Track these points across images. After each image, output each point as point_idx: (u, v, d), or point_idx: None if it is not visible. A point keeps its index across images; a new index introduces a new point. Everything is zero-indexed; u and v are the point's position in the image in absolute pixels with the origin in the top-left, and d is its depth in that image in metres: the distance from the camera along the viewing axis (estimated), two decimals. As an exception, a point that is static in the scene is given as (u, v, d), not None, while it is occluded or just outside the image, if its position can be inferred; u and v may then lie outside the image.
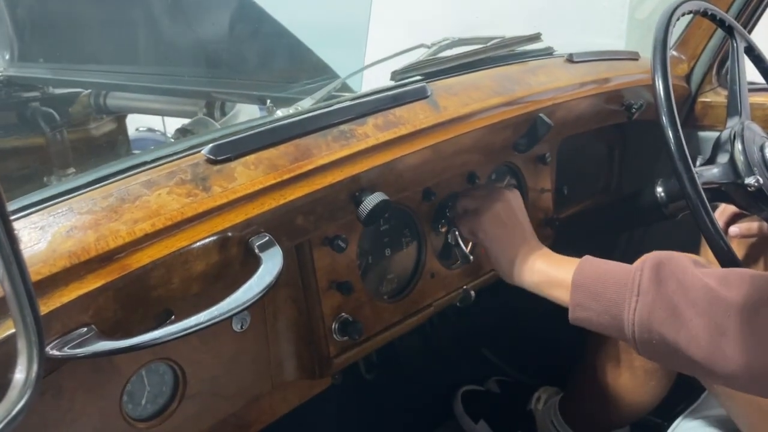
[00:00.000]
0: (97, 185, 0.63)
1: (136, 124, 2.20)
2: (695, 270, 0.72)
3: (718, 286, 0.70)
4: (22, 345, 0.45)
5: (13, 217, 0.58)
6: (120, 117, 1.98)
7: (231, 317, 0.69)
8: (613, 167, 1.48)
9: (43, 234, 0.57)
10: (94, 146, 1.91)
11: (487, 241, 0.94)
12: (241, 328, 0.80)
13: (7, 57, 1.94)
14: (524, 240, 0.93)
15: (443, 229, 1.02)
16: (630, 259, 0.80)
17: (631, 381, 1.15)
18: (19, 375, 0.45)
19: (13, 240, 0.42)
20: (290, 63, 1.43)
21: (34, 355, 0.45)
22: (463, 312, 1.12)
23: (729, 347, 0.67)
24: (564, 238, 1.25)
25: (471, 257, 1.03)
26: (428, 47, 1.04)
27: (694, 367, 0.72)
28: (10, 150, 1.84)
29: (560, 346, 1.30)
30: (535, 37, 1.14)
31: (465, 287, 1.05)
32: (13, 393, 0.44)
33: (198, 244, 0.63)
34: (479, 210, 0.95)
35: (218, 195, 0.65)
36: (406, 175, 0.83)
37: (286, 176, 0.69)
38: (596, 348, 1.21)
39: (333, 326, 0.87)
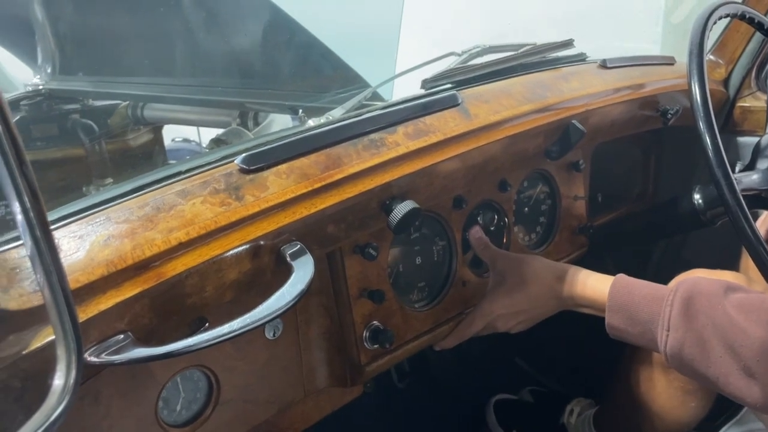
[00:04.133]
0: (134, 195, 0.65)
1: (172, 134, 2.25)
2: (726, 303, 0.72)
3: (748, 323, 0.69)
4: (61, 351, 0.46)
5: (53, 227, 0.60)
6: (156, 128, 2.02)
7: (264, 325, 0.70)
8: (648, 174, 1.46)
9: (82, 243, 0.59)
10: (131, 157, 1.95)
11: (530, 313, 0.95)
12: (274, 335, 0.81)
13: (49, 71, 2.00)
14: (543, 272, 0.93)
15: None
16: (667, 269, 0.80)
17: (671, 400, 1.12)
18: (57, 381, 0.46)
19: (53, 249, 0.43)
20: (322, 73, 1.45)
21: (72, 362, 0.46)
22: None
23: (759, 387, 0.67)
24: (598, 247, 1.23)
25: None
26: (458, 55, 1.04)
27: (727, 394, 0.72)
28: (51, 161, 1.89)
29: (596, 356, 1.27)
30: (568, 44, 1.12)
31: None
32: (52, 399, 0.45)
33: (231, 252, 0.64)
34: (500, 313, 0.96)
35: (251, 204, 0.66)
36: (436, 183, 0.83)
37: (317, 185, 0.70)
38: (634, 360, 1.18)
39: (364, 334, 0.87)
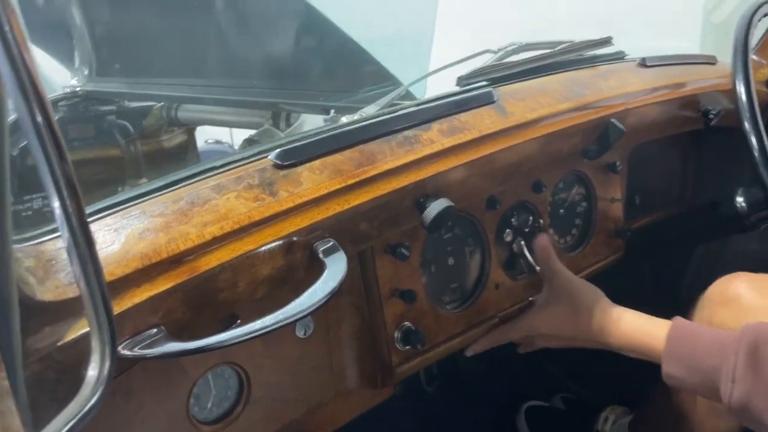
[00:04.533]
0: (169, 189, 0.65)
1: (205, 136, 2.27)
2: None
3: None
4: (95, 343, 0.46)
5: (89, 219, 0.60)
6: (190, 129, 2.04)
7: (295, 322, 0.70)
8: (688, 176, 1.42)
9: (117, 235, 0.59)
10: (165, 157, 1.98)
11: (573, 341, 0.94)
12: (305, 334, 0.80)
13: (86, 73, 2.04)
14: (598, 308, 0.91)
15: (508, 239, 1.00)
16: (706, 273, 0.76)
17: (712, 408, 1.09)
18: (92, 372, 0.46)
19: (90, 242, 0.43)
20: (354, 73, 1.44)
21: (106, 354, 0.46)
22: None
23: None
24: (635, 250, 1.20)
25: (538, 268, 0.99)
26: (494, 52, 1.03)
27: None
28: (87, 161, 1.92)
29: (631, 362, 1.24)
30: (606, 41, 1.10)
31: (531, 299, 1.02)
32: (86, 390, 0.45)
33: (264, 248, 0.64)
34: (543, 333, 0.94)
35: (284, 199, 0.66)
36: (470, 182, 0.82)
37: (350, 181, 0.69)
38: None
39: (395, 335, 0.86)
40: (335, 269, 0.66)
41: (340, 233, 0.69)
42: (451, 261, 0.94)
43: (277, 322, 0.61)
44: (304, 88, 1.49)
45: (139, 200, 0.63)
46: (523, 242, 0.99)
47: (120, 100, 2.01)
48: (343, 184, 0.69)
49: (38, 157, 0.39)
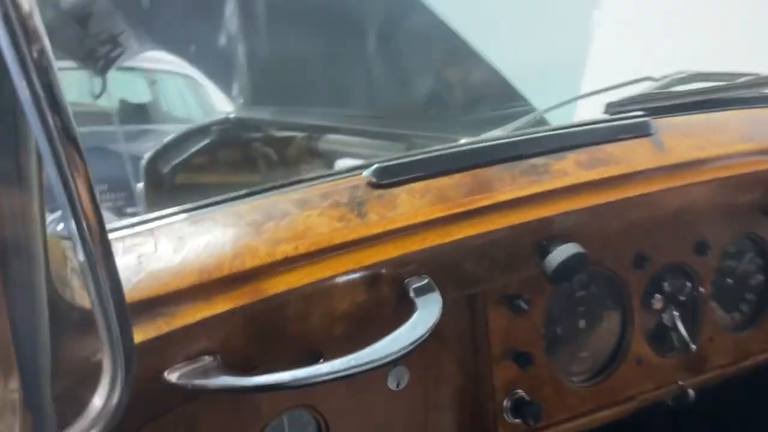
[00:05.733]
0: (248, 198, 0.58)
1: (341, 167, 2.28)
2: None
3: None
4: (107, 364, 0.38)
5: (153, 225, 0.54)
6: (328, 161, 2.05)
7: (386, 371, 0.59)
8: None
9: (180, 244, 0.52)
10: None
11: None
12: (397, 386, 0.70)
13: (242, 101, 2.14)
14: None
15: (658, 306, 0.84)
16: None
17: None
18: (97, 401, 0.37)
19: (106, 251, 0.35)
20: (498, 109, 1.34)
21: (118, 379, 0.38)
22: (677, 414, 0.90)
23: None
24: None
25: (693, 345, 0.84)
26: (655, 80, 0.87)
27: None
28: (227, 185, 1.98)
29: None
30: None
31: (681, 383, 0.86)
32: (83, 422, 0.37)
33: (345, 277, 0.54)
34: None
35: (374, 223, 0.56)
36: (612, 228, 0.67)
37: (456, 210, 0.58)
38: None
39: (505, 403, 0.74)
40: (427, 313, 0.55)
41: (440, 271, 0.58)
42: (582, 324, 0.81)
43: (345, 369, 0.50)
44: (439, 121, 1.42)
45: (213, 207, 0.56)
46: (676, 313, 0.84)
47: (267, 129, 2.08)
48: (447, 213, 0.58)
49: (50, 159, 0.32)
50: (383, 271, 0.55)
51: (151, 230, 0.54)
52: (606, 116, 0.76)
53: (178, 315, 0.49)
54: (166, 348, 0.50)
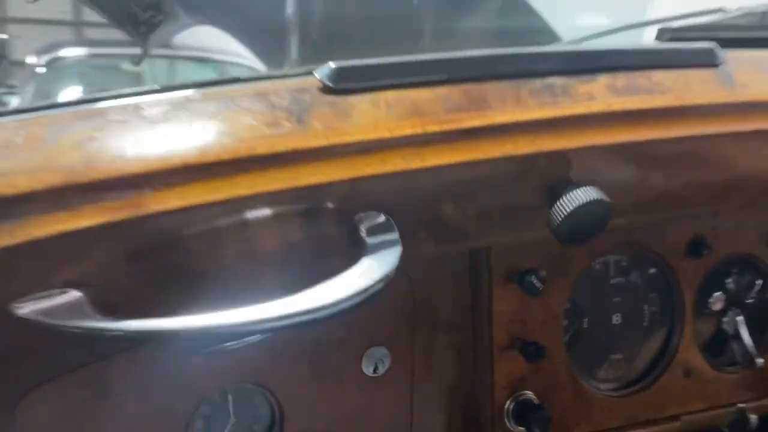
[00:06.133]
0: (163, 91, 0.44)
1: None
2: None
3: None
4: None
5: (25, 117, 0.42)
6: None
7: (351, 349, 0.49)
8: None
9: (51, 136, 0.40)
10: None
11: None
12: (375, 371, 0.59)
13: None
14: None
15: (717, 307, 0.72)
16: None
17: None
18: None
19: None
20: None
21: None
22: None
23: None
24: None
25: (760, 360, 0.71)
26: (727, 13, 0.70)
27: None
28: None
29: None
30: None
31: (741, 405, 0.73)
32: None
33: (269, 203, 0.40)
34: None
35: (316, 133, 0.42)
36: (652, 183, 0.51)
37: (434, 128, 0.43)
38: None
39: (507, 405, 0.63)
40: (377, 262, 0.40)
41: (404, 210, 0.44)
42: (616, 319, 0.69)
43: (245, 323, 0.37)
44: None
45: (107, 101, 0.43)
46: (740, 317, 0.72)
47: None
48: (420, 130, 0.43)
49: None
50: (325, 199, 0.41)
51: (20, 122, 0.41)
52: (658, 43, 0.60)
53: (27, 224, 0.37)
54: (9, 268, 0.37)
